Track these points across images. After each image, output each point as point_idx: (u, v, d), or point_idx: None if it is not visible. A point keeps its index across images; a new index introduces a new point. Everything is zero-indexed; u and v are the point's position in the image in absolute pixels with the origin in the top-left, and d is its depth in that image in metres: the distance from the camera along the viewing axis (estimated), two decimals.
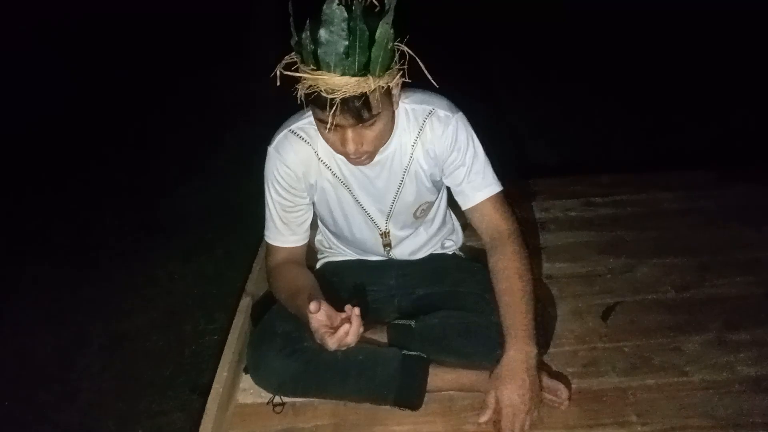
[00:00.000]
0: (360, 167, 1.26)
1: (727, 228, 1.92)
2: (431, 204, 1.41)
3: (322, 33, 1.00)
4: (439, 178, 1.34)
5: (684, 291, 1.66)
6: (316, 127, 1.24)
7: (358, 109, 1.06)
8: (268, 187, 1.30)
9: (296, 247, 1.35)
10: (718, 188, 2.13)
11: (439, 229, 1.49)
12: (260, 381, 1.30)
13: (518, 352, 1.18)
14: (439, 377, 1.32)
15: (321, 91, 1.03)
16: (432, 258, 1.49)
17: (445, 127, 1.26)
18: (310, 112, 1.24)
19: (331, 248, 1.52)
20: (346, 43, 1.00)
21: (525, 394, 1.16)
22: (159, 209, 2.80)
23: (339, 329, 1.08)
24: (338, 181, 1.31)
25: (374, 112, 1.07)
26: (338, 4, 0.98)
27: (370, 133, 1.13)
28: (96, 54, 4.65)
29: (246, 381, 1.40)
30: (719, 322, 1.54)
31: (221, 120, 3.63)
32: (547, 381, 1.28)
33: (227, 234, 2.59)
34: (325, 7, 0.99)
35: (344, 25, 0.99)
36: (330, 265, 1.51)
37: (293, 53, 1.07)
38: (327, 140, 1.17)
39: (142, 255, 2.48)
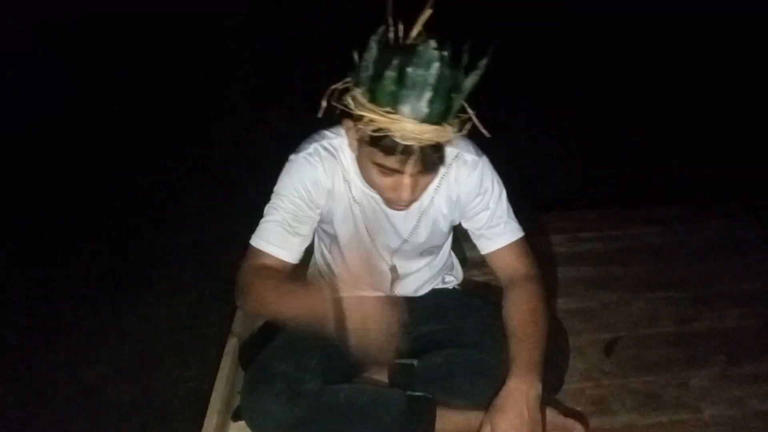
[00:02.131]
0: (379, 202, 1.20)
1: (713, 261, 1.92)
2: (441, 246, 1.36)
3: (411, 74, 0.94)
4: (457, 222, 1.30)
5: (683, 324, 1.64)
6: (340, 146, 1.20)
7: (432, 160, 1.01)
8: (284, 192, 1.20)
9: (285, 263, 1.20)
10: (698, 222, 2.15)
11: (443, 265, 1.43)
12: (257, 428, 1.18)
13: (520, 383, 1.11)
14: (447, 419, 1.24)
15: (395, 136, 0.97)
16: (433, 294, 1.43)
17: (471, 171, 1.23)
18: (339, 130, 1.20)
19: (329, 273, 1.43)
20: (435, 88, 0.94)
21: (521, 427, 1.08)
22: (128, 251, 2.66)
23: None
24: (357, 208, 1.24)
25: (445, 162, 1.03)
26: (435, 48, 0.93)
27: (425, 180, 1.08)
28: (96, 54, 4.59)
29: (235, 429, 1.28)
30: (722, 355, 1.51)
31: (194, 160, 3.55)
32: (557, 418, 1.22)
33: (200, 277, 2.47)
34: (420, 47, 0.94)
35: (436, 69, 0.94)
36: None
37: (352, 87, 1.01)
38: (374, 183, 1.11)
39: (109, 299, 2.33)
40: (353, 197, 1.23)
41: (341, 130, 1.18)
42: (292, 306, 1.11)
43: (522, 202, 1.37)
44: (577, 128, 3.62)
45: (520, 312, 1.21)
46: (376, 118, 0.97)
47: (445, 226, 1.30)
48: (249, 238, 1.22)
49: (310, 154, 1.20)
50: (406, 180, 1.05)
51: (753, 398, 1.38)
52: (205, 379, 1.81)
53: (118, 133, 3.60)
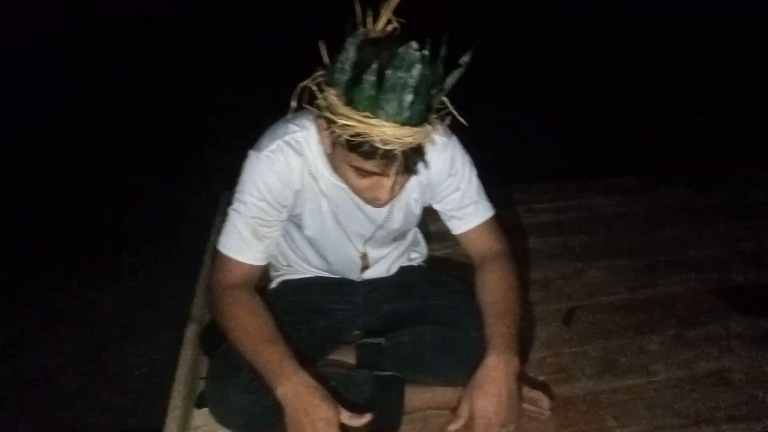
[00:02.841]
0: (350, 193, 1.16)
1: (663, 229, 1.99)
2: (413, 228, 1.35)
3: (391, 77, 0.89)
4: (428, 204, 1.28)
5: (636, 291, 1.69)
6: (305, 140, 1.14)
7: (414, 161, 0.98)
8: (247, 195, 1.14)
9: (257, 267, 1.20)
10: (650, 192, 2.22)
11: (410, 244, 1.42)
12: (224, 419, 1.14)
13: (499, 360, 1.10)
14: (416, 397, 1.24)
15: (374, 141, 0.92)
16: (399, 271, 1.41)
17: (442, 153, 1.19)
18: (303, 122, 1.15)
19: (289, 266, 1.39)
20: (416, 89, 0.90)
21: (500, 405, 1.08)
22: (82, 233, 2.54)
23: None
24: (326, 202, 1.20)
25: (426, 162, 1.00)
26: (415, 50, 0.88)
27: (403, 179, 1.05)
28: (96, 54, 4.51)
29: (199, 418, 1.25)
30: (674, 319, 1.57)
31: (144, 136, 3.43)
32: (527, 392, 1.23)
33: (152, 257, 2.39)
34: (401, 49, 0.88)
35: (418, 71, 0.89)
36: (288, 284, 1.38)
37: (324, 86, 0.95)
38: (351, 184, 1.06)
39: (54, 282, 2.23)
40: (321, 191, 1.18)
41: (306, 122, 1.14)
42: (259, 365, 1.07)
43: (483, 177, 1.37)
44: (535, 105, 3.67)
45: (496, 289, 1.21)
46: (354, 123, 0.93)
47: (417, 209, 1.28)
48: (205, 215, 1.17)
49: (273, 152, 1.13)
50: (386, 182, 1.02)
51: (702, 359, 1.44)
52: (161, 365, 1.76)
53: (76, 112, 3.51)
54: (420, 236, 1.51)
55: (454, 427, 1.09)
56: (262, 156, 1.13)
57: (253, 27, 5.12)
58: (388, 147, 0.93)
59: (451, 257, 1.79)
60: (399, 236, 1.34)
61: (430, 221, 1.64)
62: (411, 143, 0.94)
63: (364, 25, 0.97)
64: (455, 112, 1.00)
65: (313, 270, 1.38)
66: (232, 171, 1.21)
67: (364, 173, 1.01)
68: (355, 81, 0.91)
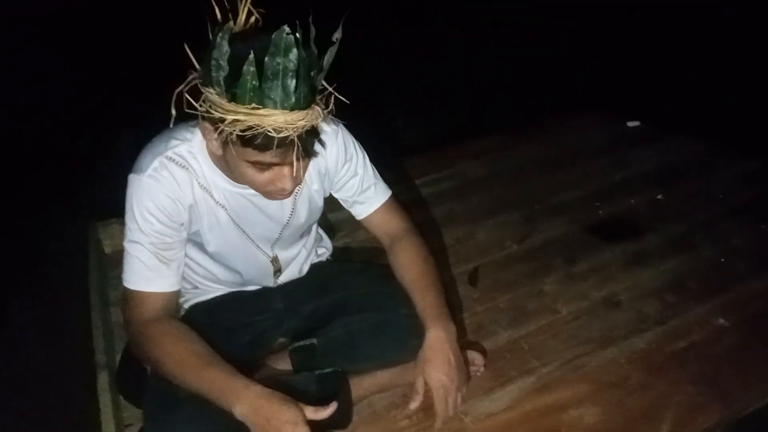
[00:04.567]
0: (249, 197, 1.14)
1: (529, 181, 2.18)
2: (316, 221, 1.34)
3: (270, 64, 0.87)
4: (329, 194, 1.28)
5: (523, 242, 1.84)
6: (188, 152, 1.08)
7: (311, 144, 0.95)
8: (140, 222, 1.07)
9: (174, 293, 1.14)
10: (510, 149, 2.40)
11: (315, 240, 1.41)
12: None
13: (438, 331, 1.16)
14: (358, 385, 1.26)
15: (268, 131, 0.89)
16: (312, 270, 1.40)
17: (333, 141, 1.19)
18: (183, 134, 1.09)
19: (195, 287, 1.32)
20: (296, 73, 0.88)
21: (453, 371, 1.14)
22: None
23: None
24: (224, 212, 1.15)
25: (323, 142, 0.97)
26: (288, 33, 0.86)
27: (304, 164, 1.02)
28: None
29: None
30: (561, 260, 1.74)
31: None
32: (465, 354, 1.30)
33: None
34: (275, 36, 0.86)
35: (295, 54, 0.87)
36: (199, 307, 1.31)
37: (203, 88, 0.91)
38: (251, 181, 1.02)
39: None
40: (217, 202, 1.14)
41: (185, 133, 1.09)
42: (205, 391, 1.03)
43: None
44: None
45: (415, 264, 1.25)
46: (242, 117, 0.90)
47: (319, 201, 1.28)
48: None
49: (156, 170, 1.07)
50: (287, 170, 1.00)
51: (593, 290, 1.62)
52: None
53: None
54: (322, 232, 1.51)
55: (415, 404, 1.13)
56: (145, 177, 1.07)
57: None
58: (282, 134, 0.92)
59: (350, 246, 1.82)
60: (305, 232, 1.34)
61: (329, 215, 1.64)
62: (304, 126, 0.94)
63: (225, 21, 0.94)
64: (336, 93, 1.00)
65: (224, 287, 1.33)
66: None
67: (263, 167, 0.99)
68: (235, 75, 0.89)
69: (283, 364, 1.29)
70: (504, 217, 1.97)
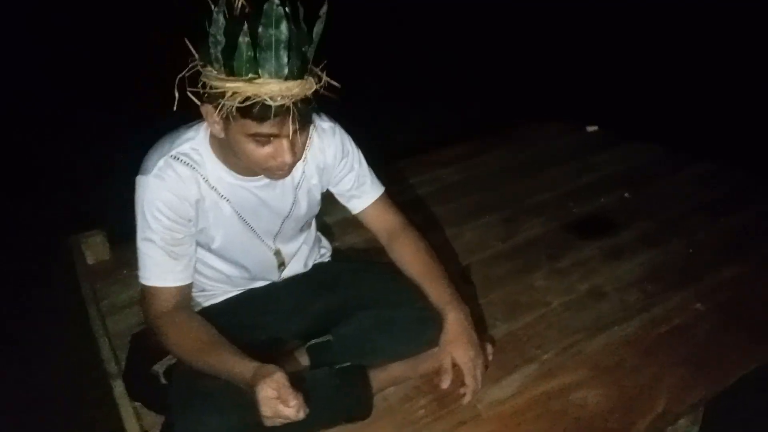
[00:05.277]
0: (252, 189, 1.18)
1: (504, 186, 2.27)
2: (315, 216, 1.37)
3: (264, 34, 0.91)
4: (325, 189, 1.32)
5: (507, 241, 1.93)
6: (193, 149, 1.12)
7: (307, 114, 0.98)
8: (150, 220, 1.11)
9: (186, 286, 1.18)
10: (479, 157, 2.51)
11: (315, 238, 1.44)
12: None
13: (457, 313, 1.23)
14: (374, 379, 1.29)
15: (265, 100, 0.93)
16: (317, 269, 1.43)
17: (332, 137, 1.25)
18: (186, 133, 1.14)
19: (204, 290, 1.33)
20: (288, 44, 0.93)
21: (475, 348, 1.21)
22: None
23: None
24: (228, 206, 1.18)
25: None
26: (278, 5, 0.90)
27: (302, 138, 1.06)
28: None
29: None
30: (544, 257, 1.83)
31: None
32: None
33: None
34: (266, 6, 0.90)
35: (285, 26, 0.91)
36: (211, 310, 1.32)
37: (203, 68, 0.95)
38: (252, 157, 1.04)
39: None
40: (222, 196, 1.17)
41: (188, 132, 1.14)
42: (226, 373, 1.07)
43: None
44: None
45: (419, 255, 1.31)
46: (241, 88, 0.95)
47: (318, 194, 1.32)
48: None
49: (161, 170, 1.11)
50: (285, 143, 1.03)
51: (578, 283, 1.72)
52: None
53: None
54: (320, 234, 1.54)
55: (447, 382, 1.18)
56: (151, 177, 1.11)
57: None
58: (278, 103, 0.96)
59: (340, 249, 1.85)
60: (305, 225, 1.37)
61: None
62: (299, 95, 0.97)
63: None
64: (326, 77, 1.03)
65: (232, 286, 1.34)
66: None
67: (262, 139, 1.02)
68: (231, 47, 0.94)
69: (303, 361, 1.31)
70: (486, 220, 2.05)
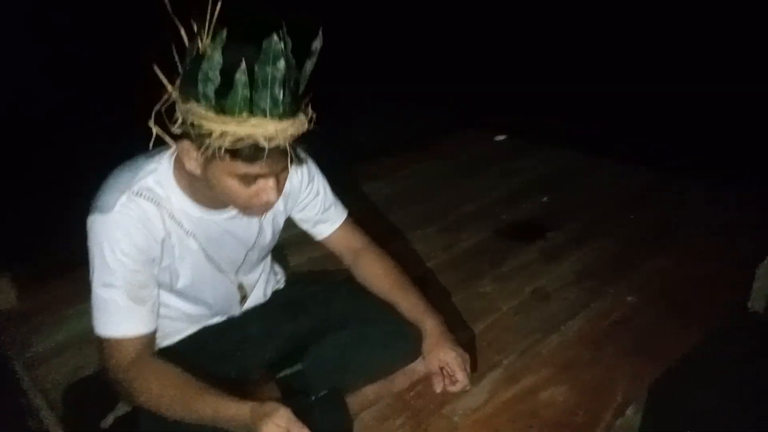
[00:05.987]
0: (219, 222, 1.13)
1: (440, 196, 2.35)
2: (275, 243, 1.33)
3: (261, 73, 0.86)
4: (288, 215, 1.29)
5: (448, 250, 1.97)
6: (156, 183, 1.04)
7: (299, 153, 0.96)
8: (111, 263, 1.01)
9: (151, 334, 1.08)
10: (414, 167, 2.57)
11: (271, 264, 1.40)
12: None
13: (435, 319, 1.24)
14: (350, 404, 1.26)
15: (258, 142, 0.88)
16: (276, 296, 1.39)
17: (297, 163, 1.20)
18: (146, 164, 1.06)
19: (161, 331, 1.23)
20: (283, 81, 0.89)
21: (458, 347, 1.21)
22: None
23: None
24: (194, 241, 1.12)
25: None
26: (278, 40, 0.86)
27: (285, 174, 1.02)
28: None
29: None
30: (486, 264, 1.90)
31: None
32: None
33: None
34: (264, 43, 0.85)
35: (283, 63, 0.87)
36: (171, 350, 1.23)
37: (183, 104, 0.89)
38: (235, 197, 0.99)
39: None
40: (186, 232, 1.11)
41: (150, 164, 1.06)
42: (209, 418, 1.00)
43: None
44: None
45: (388, 271, 1.32)
46: (233, 129, 0.89)
47: (282, 221, 1.29)
48: None
49: (124, 206, 1.02)
50: (272, 181, 1.00)
51: (524, 285, 1.79)
52: None
53: None
54: (273, 260, 1.50)
55: (439, 386, 1.18)
56: (115, 214, 1.02)
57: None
58: (273, 144, 0.92)
59: (295, 269, 1.80)
60: (265, 254, 1.33)
61: None
62: (294, 135, 0.94)
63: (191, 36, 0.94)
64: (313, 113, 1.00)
65: (189, 324, 1.27)
66: None
67: (250, 179, 0.98)
68: (227, 85, 0.89)
69: (270, 392, 1.25)
70: (426, 230, 2.10)
